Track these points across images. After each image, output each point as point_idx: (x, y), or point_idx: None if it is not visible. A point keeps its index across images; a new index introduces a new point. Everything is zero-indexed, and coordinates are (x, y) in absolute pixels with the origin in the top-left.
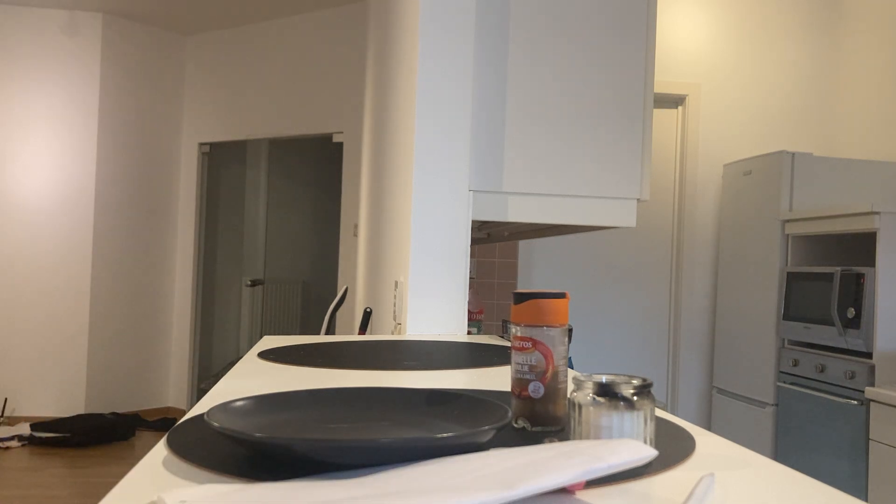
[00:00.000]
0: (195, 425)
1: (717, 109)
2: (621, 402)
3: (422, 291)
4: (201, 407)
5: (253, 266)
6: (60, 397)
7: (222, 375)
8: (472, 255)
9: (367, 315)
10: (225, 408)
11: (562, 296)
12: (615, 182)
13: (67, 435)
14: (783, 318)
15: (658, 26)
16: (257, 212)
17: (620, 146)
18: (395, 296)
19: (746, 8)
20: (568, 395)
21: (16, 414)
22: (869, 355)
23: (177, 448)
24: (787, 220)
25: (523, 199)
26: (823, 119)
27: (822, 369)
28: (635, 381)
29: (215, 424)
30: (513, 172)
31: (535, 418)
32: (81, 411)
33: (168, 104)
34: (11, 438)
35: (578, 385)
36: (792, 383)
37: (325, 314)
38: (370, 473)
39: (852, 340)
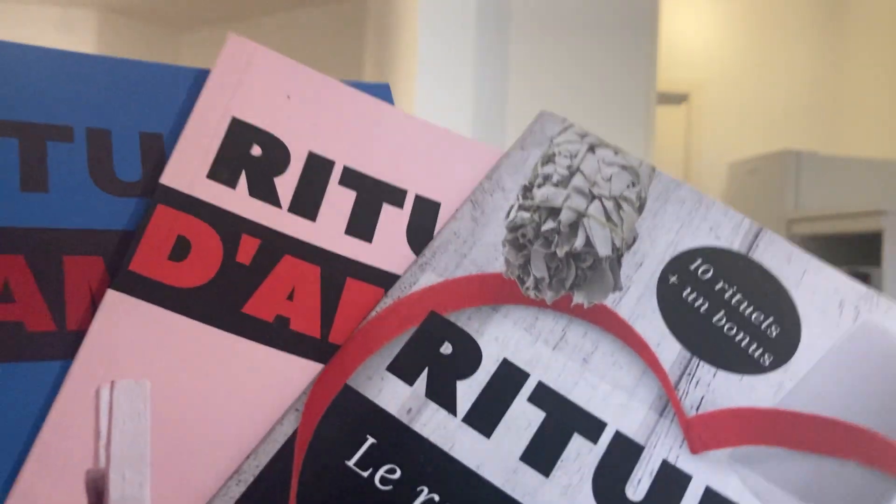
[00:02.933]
0: None
1: (721, 107)
2: None
3: None
4: None
5: None
6: None
7: None
8: None
9: None
10: None
11: None
12: None
13: None
14: None
15: (662, 22)
16: None
17: (623, 143)
18: None
19: (752, 4)
20: None
21: None
22: None
23: None
24: (793, 220)
25: None
26: (829, 117)
27: None
28: None
29: None
30: None
31: None
32: None
33: None
34: None
35: None
36: None
37: None
38: None
39: None
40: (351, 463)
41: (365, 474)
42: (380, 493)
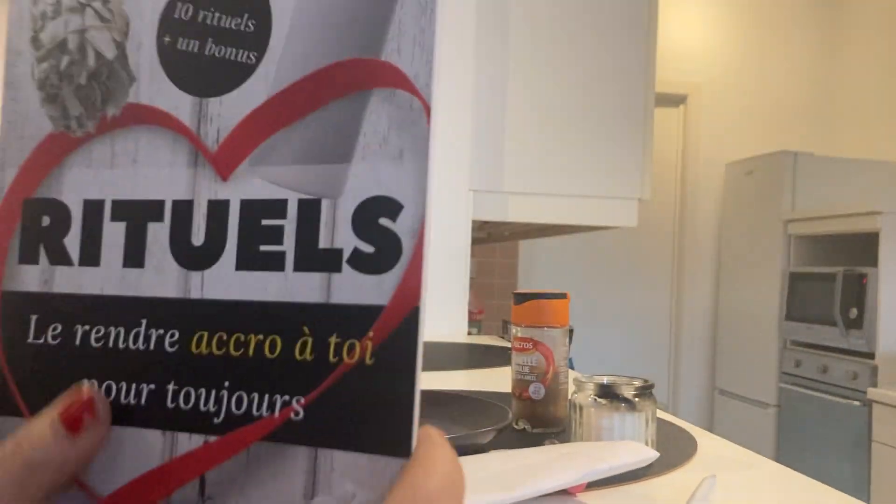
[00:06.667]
0: None
1: (718, 108)
2: (622, 404)
3: None
4: None
5: None
6: None
7: None
8: (472, 255)
9: None
10: None
11: (563, 296)
12: (616, 181)
13: None
14: (785, 319)
15: (659, 25)
16: None
17: (621, 145)
18: None
19: (748, 6)
20: (569, 396)
21: None
22: (871, 356)
23: None
24: (790, 220)
25: (524, 198)
26: (825, 118)
27: (825, 370)
28: (637, 383)
29: None
30: (513, 172)
31: (536, 420)
32: None
33: None
34: None
35: (579, 386)
36: (794, 384)
37: None
38: None
39: (855, 341)
40: (29, 339)
41: (40, 341)
42: (52, 347)
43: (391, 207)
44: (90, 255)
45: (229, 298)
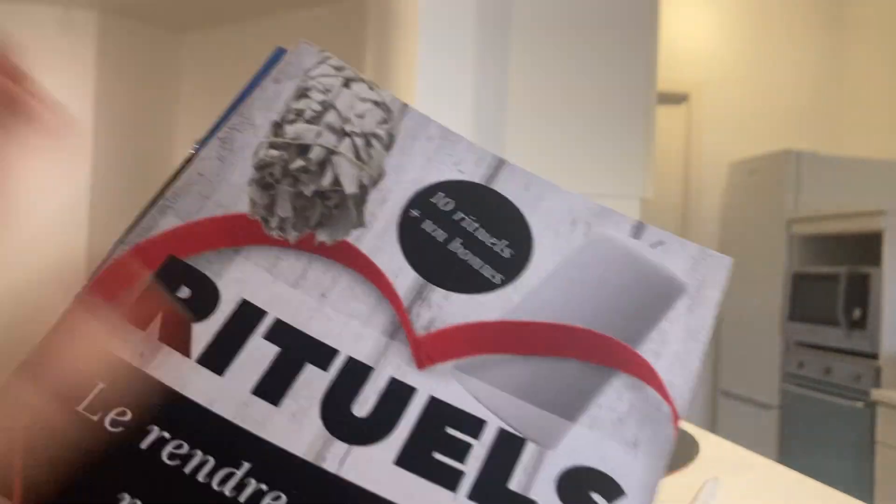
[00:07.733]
0: None
1: (721, 107)
2: None
3: None
4: None
5: None
6: None
7: None
8: None
9: None
10: None
11: None
12: (618, 180)
13: None
14: (788, 319)
15: (661, 22)
16: None
17: (624, 144)
18: None
19: (752, 4)
20: None
21: None
22: (875, 356)
23: None
24: (793, 220)
25: None
26: (829, 117)
27: (828, 371)
28: None
29: None
30: None
31: None
32: None
33: (166, 104)
34: None
35: None
36: (797, 385)
37: None
38: None
39: (858, 341)
40: (80, 408)
41: (94, 418)
42: (110, 434)
43: (610, 488)
44: (215, 357)
45: (368, 489)
